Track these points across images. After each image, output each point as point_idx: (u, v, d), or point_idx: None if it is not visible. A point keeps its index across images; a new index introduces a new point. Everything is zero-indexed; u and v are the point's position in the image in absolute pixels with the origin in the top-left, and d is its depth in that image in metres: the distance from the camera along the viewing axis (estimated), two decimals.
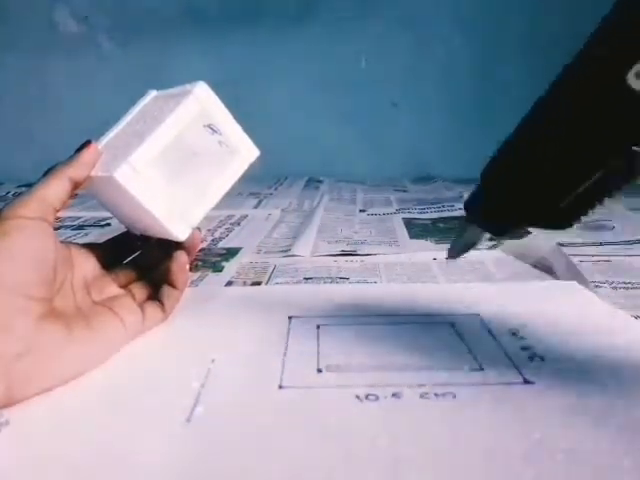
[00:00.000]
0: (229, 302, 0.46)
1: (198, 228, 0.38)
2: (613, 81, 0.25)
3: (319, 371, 0.33)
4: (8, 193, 1.19)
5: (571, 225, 0.30)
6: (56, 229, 0.33)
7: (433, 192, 1.13)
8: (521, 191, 0.30)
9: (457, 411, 0.28)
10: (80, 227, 0.83)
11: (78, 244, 0.38)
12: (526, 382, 0.31)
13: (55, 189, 0.32)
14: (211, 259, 0.62)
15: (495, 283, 0.53)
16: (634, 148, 0.26)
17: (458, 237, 0.36)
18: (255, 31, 1.40)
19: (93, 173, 0.35)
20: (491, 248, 0.66)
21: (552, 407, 0.28)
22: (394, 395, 0.29)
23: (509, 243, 0.67)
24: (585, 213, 0.30)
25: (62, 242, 0.35)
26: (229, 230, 0.79)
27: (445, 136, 1.42)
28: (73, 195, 0.34)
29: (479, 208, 0.34)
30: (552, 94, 0.29)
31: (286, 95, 1.40)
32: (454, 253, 0.36)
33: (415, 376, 0.31)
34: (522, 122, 0.30)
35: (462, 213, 0.35)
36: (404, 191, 1.17)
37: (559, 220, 0.30)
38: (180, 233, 0.36)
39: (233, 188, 0.38)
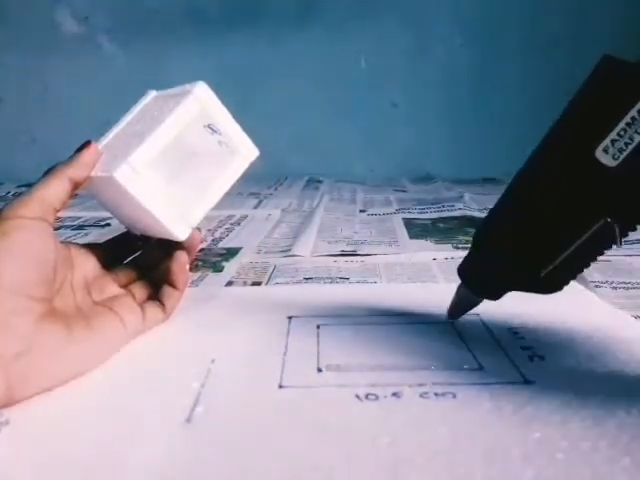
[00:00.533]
0: (229, 302, 0.46)
1: (198, 228, 0.38)
2: (584, 157, 0.26)
3: (319, 371, 0.33)
4: (8, 193, 1.19)
5: (557, 291, 0.31)
6: (56, 229, 0.33)
7: (433, 192, 1.13)
8: (507, 260, 0.32)
9: (457, 411, 0.28)
10: (80, 227, 0.83)
11: (78, 244, 0.38)
12: (526, 382, 0.31)
13: (55, 189, 0.32)
14: (211, 259, 0.62)
15: None
16: (609, 219, 0.27)
17: (456, 300, 0.37)
18: (255, 31, 1.40)
19: (93, 173, 0.35)
20: None
21: (552, 407, 0.28)
22: (394, 395, 0.29)
23: None
24: (568, 280, 0.31)
25: (62, 242, 0.35)
26: (229, 230, 0.79)
27: (445, 136, 1.42)
28: (73, 195, 0.34)
29: (471, 274, 0.35)
30: (531, 167, 0.30)
31: (286, 95, 1.40)
32: (454, 315, 0.38)
33: (415, 376, 0.31)
34: (506, 192, 0.32)
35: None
36: (404, 191, 1.17)
37: (544, 287, 0.31)
38: (180, 233, 0.36)
39: (233, 188, 0.38)
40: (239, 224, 0.83)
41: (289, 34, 1.40)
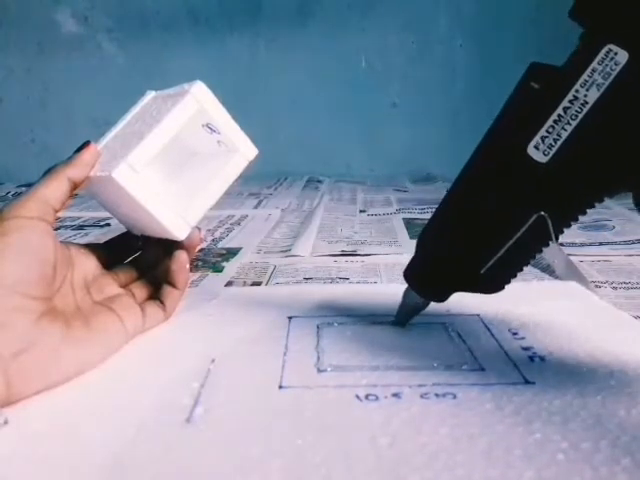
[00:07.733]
0: (229, 302, 0.46)
1: (198, 227, 0.38)
2: (517, 154, 0.28)
3: (319, 371, 0.33)
4: (8, 193, 1.19)
5: (498, 290, 0.32)
6: (56, 229, 0.33)
7: (433, 192, 1.13)
8: (449, 259, 0.32)
9: (457, 411, 0.28)
10: (80, 227, 0.83)
11: (78, 244, 0.38)
12: (526, 382, 0.31)
13: (54, 189, 0.32)
14: (211, 259, 0.62)
15: None
16: (542, 213, 0.28)
17: (402, 304, 0.37)
18: (255, 31, 1.40)
19: (92, 173, 0.35)
20: None
21: (553, 407, 0.28)
22: (394, 395, 0.29)
23: None
24: (508, 279, 0.32)
25: (62, 242, 0.35)
26: (229, 230, 0.79)
27: (445, 136, 1.42)
28: (73, 195, 0.34)
29: (416, 277, 0.35)
30: (469, 168, 0.31)
31: (286, 95, 1.40)
32: (403, 320, 0.38)
33: (415, 376, 0.31)
34: (447, 193, 0.32)
35: None
36: (404, 191, 1.17)
37: (484, 286, 0.32)
38: (179, 232, 0.36)
39: (233, 188, 0.38)
40: (239, 224, 0.83)
41: (289, 34, 1.40)
